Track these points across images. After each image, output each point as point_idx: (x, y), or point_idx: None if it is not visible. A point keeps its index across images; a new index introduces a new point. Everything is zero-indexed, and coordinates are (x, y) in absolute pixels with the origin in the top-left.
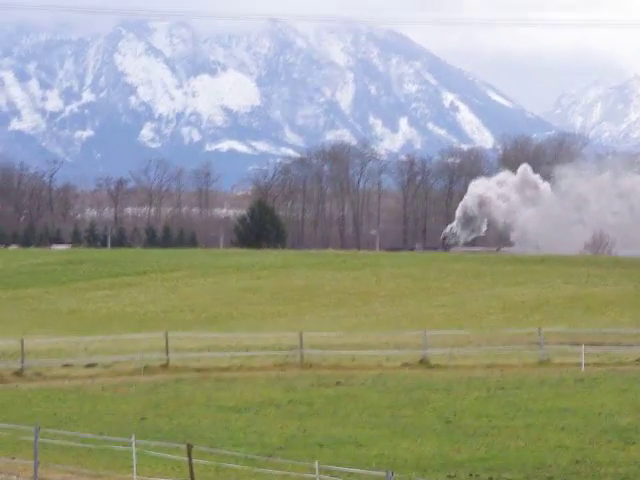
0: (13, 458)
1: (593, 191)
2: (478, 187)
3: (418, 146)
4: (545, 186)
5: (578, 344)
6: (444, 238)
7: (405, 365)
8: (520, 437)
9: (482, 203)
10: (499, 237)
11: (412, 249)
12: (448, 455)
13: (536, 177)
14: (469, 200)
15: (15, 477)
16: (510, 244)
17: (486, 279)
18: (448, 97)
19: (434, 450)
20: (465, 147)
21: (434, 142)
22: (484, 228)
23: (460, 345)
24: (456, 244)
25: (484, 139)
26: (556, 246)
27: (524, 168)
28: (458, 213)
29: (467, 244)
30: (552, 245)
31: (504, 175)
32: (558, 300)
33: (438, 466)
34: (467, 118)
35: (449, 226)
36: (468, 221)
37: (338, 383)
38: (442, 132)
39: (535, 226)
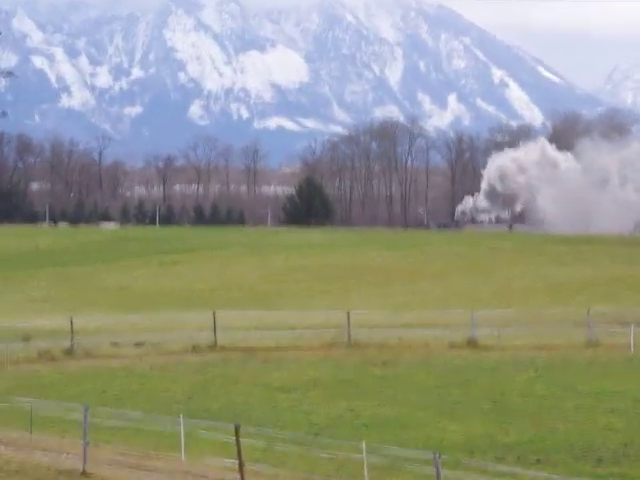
0: (63, 437)
1: (617, 165)
2: (497, 160)
3: (467, 123)
4: (568, 163)
5: (627, 324)
6: (462, 213)
7: (452, 345)
8: (568, 419)
9: (503, 177)
10: (512, 214)
11: (427, 226)
12: (496, 437)
13: (556, 154)
14: (490, 173)
15: (64, 456)
16: (522, 222)
17: (533, 259)
18: (497, 73)
19: (481, 431)
20: (514, 124)
21: (483, 119)
22: (519, 206)
23: (507, 325)
24: (480, 221)
25: (533, 116)
26: (577, 225)
27: (542, 143)
28: (483, 185)
29: (494, 221)
30: (573, 224)
31: (524, 149)
32: (605, 280)
33: (486, 448)
34: (516, 94)
35: (465, 202)
36: (494, 196)
37: (385, 363)
38: (491, 109)
39: (555, 205)
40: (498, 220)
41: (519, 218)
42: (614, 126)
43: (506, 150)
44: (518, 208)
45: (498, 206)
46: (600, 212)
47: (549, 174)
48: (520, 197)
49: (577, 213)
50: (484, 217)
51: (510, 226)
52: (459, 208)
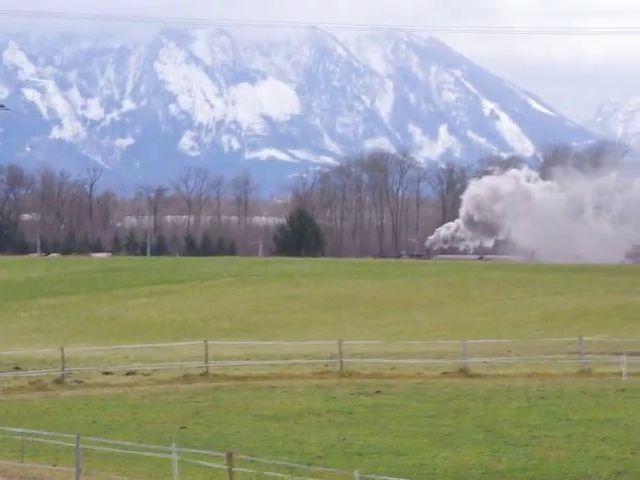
0: (54, 465)
1: (593, 194)
2: (474, 188)
3: (457, 154)
4: (543, 193)
5: (619, 354)
6: (432, 244)
7: (445, 374)
8: (561, 447)
9: (479, 205)
10: (480, 244)
11: (399, 256)
12: (488, 465)
13: (530, 185)
14: (468, 200)
15: None
16: (491, 252)
17: (526, 288)
18: (488, 105)
19: (474, 460)
20: (505, 155)
21: (474, 150)
22: (501, 235)
23: (500, 354)
24: (463, 251)
25: (524, 147)
26: (553, 255)
27: (515, 173)
28: (462, 213)
29: (477, 251)
30: (549, 253)
31: (500, 178)
32: (599, 309)
33: (478, 476)
34: (507, 126)
35: (436, 233)
36: (473, 224)
37: (377, 392)
38: (482, 140)
39: (528, 235)
40: (466, 251)
41: (491, 249)
42: (599, 158)
43: (483, 178)
44: (500, 237)
45: (478, 234)
46: (578, 242)
47: (522, 204)
48: (499, 226)
49: (552, 243)
50: (460, 246)
51: (481, 257)
52: (430, 238)
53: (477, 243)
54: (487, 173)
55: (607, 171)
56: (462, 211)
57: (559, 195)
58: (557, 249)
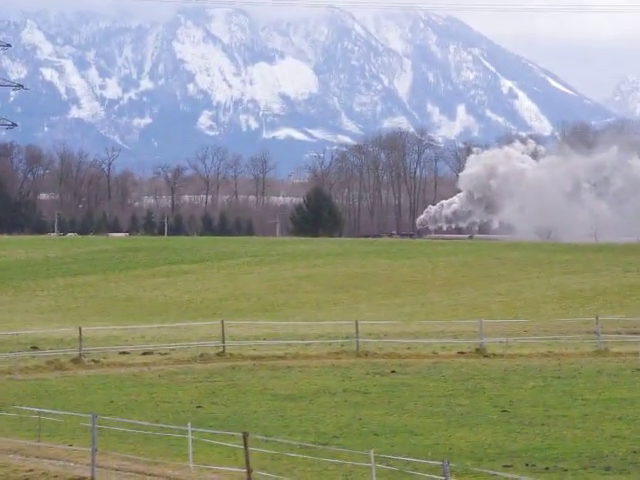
0: (71, 445)
1: (586, 174)
2: (472, 165)
3: (475, 133)
4: (537, 171)
5: (636, 333)
6: (422, 223)
7: (461, 354)
8: (577, 427)
9: (476, 181)
10: (487, 222)
11: (390, 235)
12: (504, 444)
13: (522, 164)
14: (465, 177)
15: (73, 464)
16: (484, 232)
17: (543, 267)
18: (506, 84)
19: (490, 439)
20: (523, 134)
21: (492, 129)
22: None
23: (516, 334)
24: (440, 231)
25: (542, 126)
26: (545, 234)
27: (507, 150)
28: (462, 189)
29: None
30: (541, 233)
31: (493, 154)
32: (616, 289)
33: (494, 455)
34: (525, 105)
35: (427, 212)
36: (474, 201)
37: (393, 372)
38: (500, 119)
39: (521, 213)
40: (469, 229)
41: (481, 228)
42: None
43: (481, 155)
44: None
45: (481, 211)
46: (572, 221)
47: (516, 183)
48: (498, 204)
49: (546, 222)
50: (466, 223)
51: (470, 236)
52: (420, 217)
53: (484, 219)
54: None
55: (606, 148)
56: (462, 187)
57: (553, 173)
58: (554, 227)
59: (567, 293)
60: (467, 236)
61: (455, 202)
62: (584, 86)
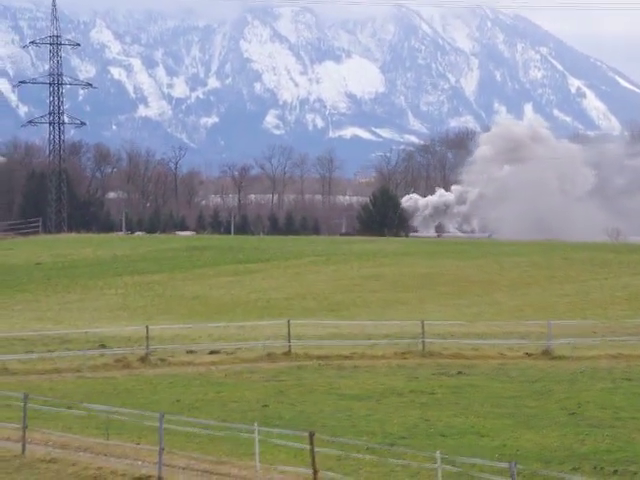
0: (138, 443)
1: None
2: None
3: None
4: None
5: None
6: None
7: (528, 355)
8: None
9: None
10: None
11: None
12: (572, 447)
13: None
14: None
15: (140, 462)
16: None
17: (612, 268)
18: (574, 83)
19: (558, 442)
20: (591, 134)
21: (559, 129)
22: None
23: (584, 335)
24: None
25: (611, 126)
26: (533, 233)
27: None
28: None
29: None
30: (529, 232)
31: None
32: None
33: (562, 458)
34: (593, 104)
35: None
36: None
37: (460, 372)
38: (568, 118)
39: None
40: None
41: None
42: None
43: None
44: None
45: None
46: (566, 218)
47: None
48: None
49: (532, 220)
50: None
51: (439, 235)
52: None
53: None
54: None
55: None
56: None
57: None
58: (538, 226)
59: (636, 294)
60: (436, 235)
61: (445, 195)
62: None
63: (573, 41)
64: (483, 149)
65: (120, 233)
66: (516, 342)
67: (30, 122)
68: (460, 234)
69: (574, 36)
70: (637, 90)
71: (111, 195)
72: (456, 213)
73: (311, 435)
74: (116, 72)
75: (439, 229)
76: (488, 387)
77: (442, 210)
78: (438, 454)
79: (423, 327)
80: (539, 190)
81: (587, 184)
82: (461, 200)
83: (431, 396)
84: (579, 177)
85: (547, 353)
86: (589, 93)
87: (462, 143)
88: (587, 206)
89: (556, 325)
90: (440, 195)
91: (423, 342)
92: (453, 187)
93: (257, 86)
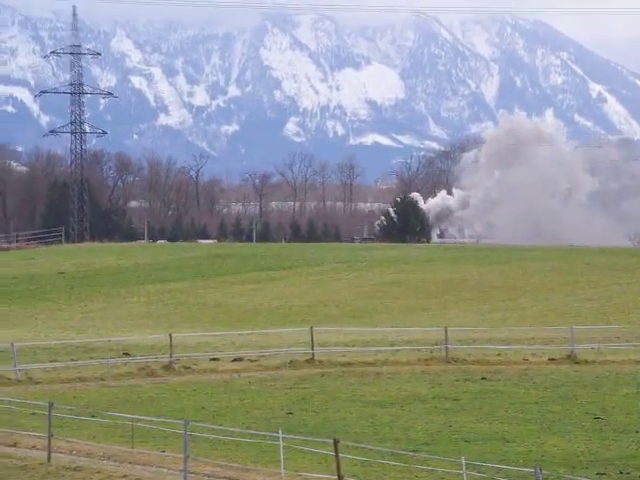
0: (163, 451)
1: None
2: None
3: (564, 138)
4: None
5: None
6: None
7: (552, 360)
8: None
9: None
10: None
11: (352, 240)
12: (597, 452)
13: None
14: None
15: (165, 470)
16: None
17: (634, 273)
18: (595, 88)
19: (583, 447)
20: (613, 138)
21: (580, 134)
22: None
23: (608, 340)
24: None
25: (632, 130)
26: (530, 237)
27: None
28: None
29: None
30: (526, 236)
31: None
32: None
33: (587, 463)
34: (615, 109)
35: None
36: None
37: (483, 378)
38: (589, 123)
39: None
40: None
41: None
42: None
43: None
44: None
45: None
46: (563, 223)
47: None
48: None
49: (529, 224)
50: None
51: (418, 240)
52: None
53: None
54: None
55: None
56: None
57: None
58: (536, 230)
59: None
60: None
61: (449, 199)
62: None
63: (593, 46)
64: (486, 149)
65: (142, 241)
66: (540, 347)
67: (52, 132)
68: (449, 240)
69: (594, 41)
70: None
71: (133, 204)
72: (459, 217)
73: (335, 442)
74: (137, 81)
75: (442, 234)
76: (512, 392)
77: (445, 215)
78: (463, 460)
79: (446, 333)
80: (537, 193)
81: (588, 188)
82: (464, 204)
83: (455, 402)
84: (581, 181)
85: (571, 358)
86: (610, 98)
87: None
88: (589, 210)
89: (579, 330)
90: (442, 198)
91: (446, 348)
92: (454, 190)
93: (277, 94)
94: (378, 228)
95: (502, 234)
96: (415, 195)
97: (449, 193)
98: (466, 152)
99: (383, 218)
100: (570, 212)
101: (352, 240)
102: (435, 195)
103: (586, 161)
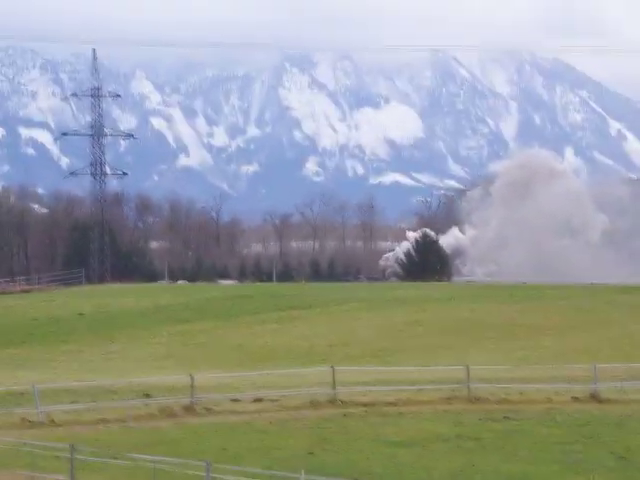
0: None
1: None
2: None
3: (584, 176)
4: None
5: None
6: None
7: (575, 399)
8: None
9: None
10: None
11: (357, 278)
12: None
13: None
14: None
15: None
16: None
17: None
18: (615, 125)
19: None
20: (633, 176)
21: (600, 172)
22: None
23: (632, 379)
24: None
25: None
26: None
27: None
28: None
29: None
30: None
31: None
32: None
33: None
34: (634, 147)
35: (385, 259)
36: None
37: (506, 417)
38: (609, 161)
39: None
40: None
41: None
42: None
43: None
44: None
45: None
46: (568, 259)
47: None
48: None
49: (535, 260)
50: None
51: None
52: (381, 264)
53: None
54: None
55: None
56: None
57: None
58: (546, 268)
59: None
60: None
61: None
62: None
63: (612, 83)
64: (499, 182)
65: (163, 282)
66: (562, 386)
67: (72, 173)
68: (466, 277)
69: (613, 78)
70: None
71: (153, 244)
72: (470, 255)
73: None
74: (156, 122)
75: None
76: (535, 432)
77: (458, 253)
78: None
79: (468, 372)
80: (547, 230)
81: (599, 225)
82: (474, 241)
83: (477, 442)
84: (590, 218)
85: (594, 397)
86: (629, 135)
87: None
88: (599, 248)
89: (602, 368)
90: (454, 236)
91: (468, 387)
92: (466, 227)
93: (296, 133)
94: (397, 267)
95: (511, 271)
96: (430, 233)
97: (461, 230)
98: (476, 187)
99: (403, 257)
100: (580, 249)
101: (373, 279)
102: (445, 233)
103: (596, 197)
